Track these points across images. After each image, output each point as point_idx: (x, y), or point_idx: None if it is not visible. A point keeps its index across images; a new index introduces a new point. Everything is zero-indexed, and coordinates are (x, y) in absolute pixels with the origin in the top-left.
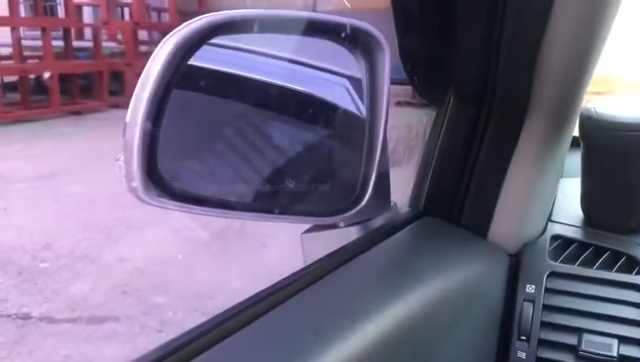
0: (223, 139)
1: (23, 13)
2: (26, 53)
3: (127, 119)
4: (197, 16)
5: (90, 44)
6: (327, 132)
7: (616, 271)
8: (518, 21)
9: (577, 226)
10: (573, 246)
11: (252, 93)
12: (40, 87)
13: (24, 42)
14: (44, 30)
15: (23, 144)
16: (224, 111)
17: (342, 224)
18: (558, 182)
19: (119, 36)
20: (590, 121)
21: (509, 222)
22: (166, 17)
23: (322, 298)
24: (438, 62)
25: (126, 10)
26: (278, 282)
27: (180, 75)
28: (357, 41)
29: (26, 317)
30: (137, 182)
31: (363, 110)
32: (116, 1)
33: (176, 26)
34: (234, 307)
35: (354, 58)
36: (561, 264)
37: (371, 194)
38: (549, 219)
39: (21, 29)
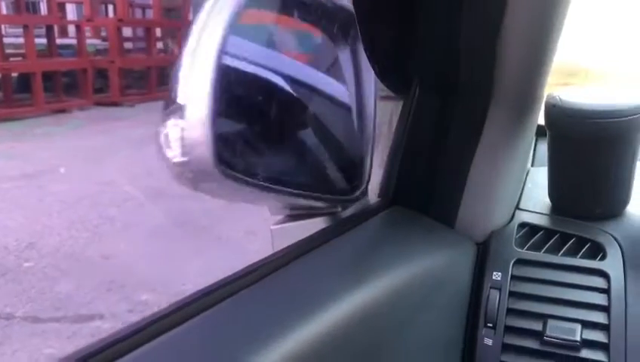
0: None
1: (4, 11)
2: (9, 50)
3: (186, 83)
4: (181, 12)
5: (73, 42)
6: (329, 120)
7: (580, 257)
8: (476, 11)
9: (544, 214)
10: (539, 233)
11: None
12: (23, 85)
13: (6, 40)
14: (26, 27)
15: (7, 143)
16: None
17: (340, 208)
18: (525, 171)
19: (103, 33)
20: (555, 109)
21: (475, 211)
22: (150, 14)
23: (283, 285)
24: (402, 53)
25: (110, 7)
26: (241, 270)
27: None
28: (340, 25)
29: (9, 317)
30: (209, 152)
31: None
32: None
33: (161, 23)
34: (195, 293)
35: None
36: (527, 251)
37: (369, 176)
38: (517, 208)
39: (2, 26)
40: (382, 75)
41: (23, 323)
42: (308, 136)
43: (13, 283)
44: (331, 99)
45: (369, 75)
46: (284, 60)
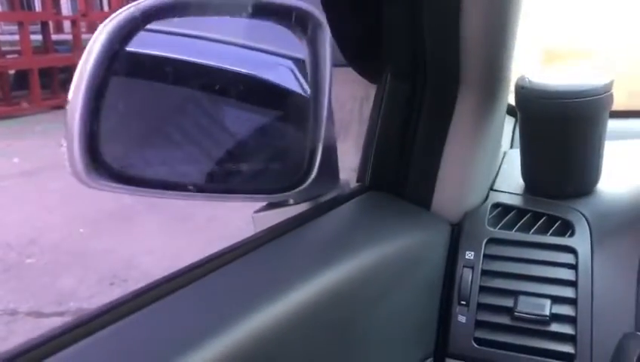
0: (168, 121)
1: None
2: (4, 48)
3: (68, 105)
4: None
5: (69, 37)
6: (273, 112)
7: (550, 234)
8: None
9: (517, 194)
10: (512, 213)
11: (196, 76)
12: (20, 82)
13: (1, 37)
14: (21, 24)
15: (6, 141)
16: (170, 94)
17: (292, 201)
18: (498, 152)
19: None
20: (524, 90)
21: (450, 193)
22: None
23: (254, 267)
24: (371, 40)
25: (105, 1)
26: (214, 253)
27: (121, 61)
28: (297, 21)
29: (13, 312)
30: (79, 165)
31: (307, 90)
32: None
33: None
34: (170, 274)
35: (296, 38)
36: (499, 230)
37: (318, 170)
38: (492, 189)
39: None
40: (353, 62)
41: (27, 318)
42: (215, 137)
43: (16, 279)
44: (265, 92)
45: (325, 67)
46: (200, 63)
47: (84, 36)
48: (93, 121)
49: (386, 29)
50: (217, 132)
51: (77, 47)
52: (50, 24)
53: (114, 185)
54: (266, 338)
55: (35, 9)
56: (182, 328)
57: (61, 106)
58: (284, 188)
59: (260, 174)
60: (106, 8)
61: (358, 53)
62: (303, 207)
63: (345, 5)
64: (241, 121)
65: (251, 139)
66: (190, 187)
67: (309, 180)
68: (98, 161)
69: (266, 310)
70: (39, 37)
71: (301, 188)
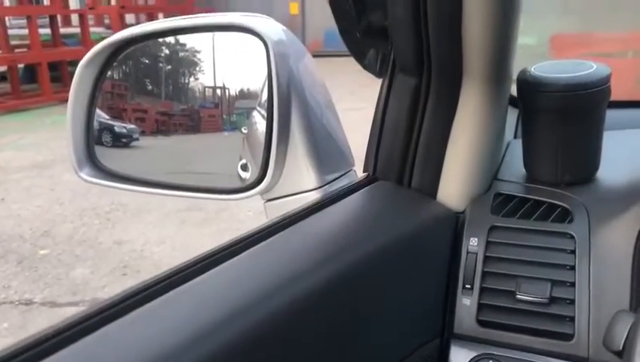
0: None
1: (7, 2)
2: (14, 42)
3: (67, 112)
4: None
5: (77, 30)
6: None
7: (551, 221)
8: None
9: (519, 183)
10: (514, 201)
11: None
12: (30, 76)
13: (10, 31)
14: (29, 18)
15: (17, 134)
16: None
17: (264, 199)
18: (502, 143)
19: (107, 21)
20: (525, 83)
21: (455, 183)
22: (152, 0)
23: (268, 254)
24: (376, 36)
25: None
26: (227, 242)
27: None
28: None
29: (28, 302)
30: (73, 162)
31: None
32: None
33: (162, 9)
34: (183, 264)
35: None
36: (502, 218)
37: (274, 171)
38: (495, 178)
39: (6, 18)
40: (359, 58)
41: (42, 308)
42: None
43: (30, 270)
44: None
45: (273, 74)
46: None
47: (91, 29)
48: (87, 125)
49: (391, 27)
50: (185, 135)
51: (85, 40)
52: (59, 17)
53: (103, 181)
54: (280, 322)
55: (43, 3)
56: (195, 317)
57: None
58: (244, 188)
59: (224, 176)
60: (112, 1)
61: (362, 48)
62: (313, 194)
63: (349, 2)
64: (207, 125)
65: (215, 143)
66: (169, 185)
67: (266, 181)
68: (91, 160)
69: (278, 297)
70: (47, 30)
71: (259, 188)
